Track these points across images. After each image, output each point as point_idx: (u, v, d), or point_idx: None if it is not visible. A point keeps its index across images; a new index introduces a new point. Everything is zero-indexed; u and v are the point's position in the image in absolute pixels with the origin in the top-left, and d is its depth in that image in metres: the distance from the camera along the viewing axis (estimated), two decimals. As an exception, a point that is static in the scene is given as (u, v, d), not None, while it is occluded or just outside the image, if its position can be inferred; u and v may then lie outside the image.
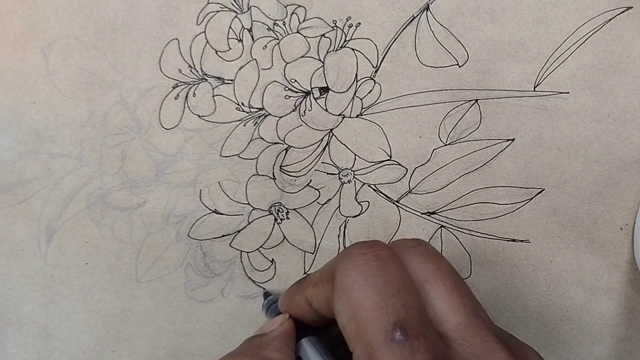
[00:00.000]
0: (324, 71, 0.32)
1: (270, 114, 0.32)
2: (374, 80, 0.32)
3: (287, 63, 0.32)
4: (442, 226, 0.32)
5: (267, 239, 0.32)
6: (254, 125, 0.32)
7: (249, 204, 0.32)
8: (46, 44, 0.31)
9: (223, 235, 0.32)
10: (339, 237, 0.32)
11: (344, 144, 0.32)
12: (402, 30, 0.31)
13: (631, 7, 0.31)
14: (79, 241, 0.32)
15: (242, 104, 0.32)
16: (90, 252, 0.32)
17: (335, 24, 0.31)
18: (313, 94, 0.32)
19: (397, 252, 0.23)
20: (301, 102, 0.32)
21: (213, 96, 0.32)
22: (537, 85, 0.32)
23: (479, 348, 0.21)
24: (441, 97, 0.32)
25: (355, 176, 0.32)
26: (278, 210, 0.32)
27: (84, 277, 0.32)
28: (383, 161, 0.32)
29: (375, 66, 0.32)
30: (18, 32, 0.31)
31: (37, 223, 0.32)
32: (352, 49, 0.32)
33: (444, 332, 0.21)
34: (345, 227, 0.32)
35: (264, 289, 0.33)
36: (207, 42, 0.31)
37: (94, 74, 0.31)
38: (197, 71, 0.32)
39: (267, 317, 0.30)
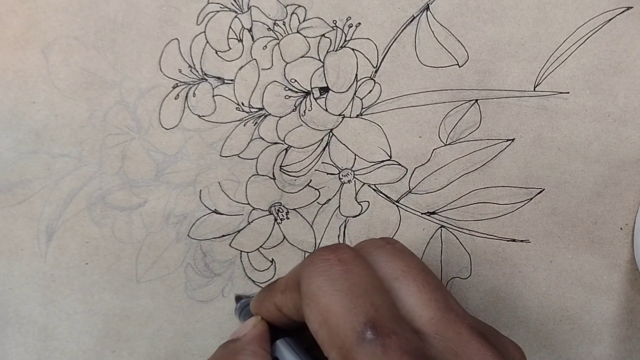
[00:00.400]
0: (324, 71, 0.32)
1: (270, 114, 0.32)
2: (374, 80, 0.32)
3: (287, 63, 0.32)
4: (442, 226, 0.32)
5: (267, 239, 0.32)
6: (254, 125, 0.32)
7: (249, 204, 0.32)
8: (46, 44, 0.31)
9: (223, 235, 0.32)
10: (339, 237, 0.32)
11: (344, 144, 0.32)
12: (402, 30, 0.31)
13: (631, 7, 0.31)
14: (79, 241, 0.32)
15: (242, 104, 0.32)
16: (90, 252, 0.32)
17: (335, 24, 0.31)
18: (313, 94, 0.32)
19: (365, 252, 0.23)
20: (301, 102, 0.32)
21: (213, 96, 0.32)
22: (537, 85, 0.32)
23: (452, 341, 0.21)
24: (441, 97, 0.32)
25: (355, 176, 0.32)
26: (278, 210, 0.32)
27: (84, 277, 0.32)
28: (383, 161, 0.32)
29: (375, 66, 0.32)
30: (18, 32, 0.31)
31: (37, 223, 0.32)
32: (352, 49, 0.32)
33: (418, 327, 0.21)
34: (345, 227, 0.32)
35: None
36: (207, 42, 0.31)
37: (94, 74, 0.31)
38: (197, 71, 0.32)
39: (240, 320, 0.30)
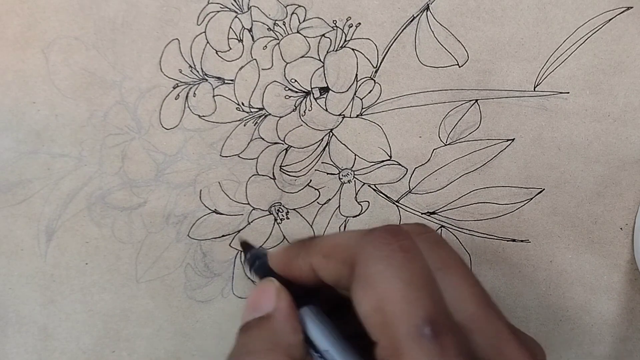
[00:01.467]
0: (324, 71, 0.32)
1: (270, 114, 0.32)
2: (374, 80, 0.32)
3: (287, 63, 0.32)
4: (442, 226, 0.32)
5: (267, 239, 0.32)
6: (254, 125, 0.32)
7: (249, 204, 0.32)
8: (46, 44, 0.31)
9: (223, 235, 0.32)
10: (339, 237, 0.32)
11: (344, 144, 0.32)
12: (402, 30, 0.31)
13: (631, 7, 0.31)
14: (79, 241, 0.32)
15: (242, 104, 0.32)
16: (90, 252, 0.32)
17: (335, 24, 0.31)
18: (313, 94, 0.32)
19: None
20: (301, 102, 0.32)
21: (213, 96, 0.32)
22: (537, 85, 0.32)
23: (495, 338, 0.21)
24: (441, 97, 0.32)
25: (355, 176, 0.32)
26: (278, 210, 0.32)
27: (84, 277, 0.32)
28: (383, 161, 0.32)
29: (375, 66, 0.32)
30: (18, 32, 0.31)
31: (37, 223, 0.32)
32: (352, 49, 0.32)
33: (460, 322, 0.21)
34: (345, 227, 0.32)
35: (242, 238, 0.31)
36: (208, 42, 0.31)
37: (94, 74, 0.31)
38: (197, 71, 0.32)
39: (250, 273, 0.28)
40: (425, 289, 0.20)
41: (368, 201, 0.32)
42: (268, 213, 0.32)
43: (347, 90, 0.32)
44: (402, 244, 0.21)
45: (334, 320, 0.24)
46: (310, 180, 0.32)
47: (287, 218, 0.32)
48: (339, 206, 0.32)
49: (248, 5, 0.31)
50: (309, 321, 0.23)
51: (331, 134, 0.32)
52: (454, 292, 0.22)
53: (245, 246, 0.30)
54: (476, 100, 0.32)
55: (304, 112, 0.32)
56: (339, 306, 0.24)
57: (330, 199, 0.32)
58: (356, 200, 0.32)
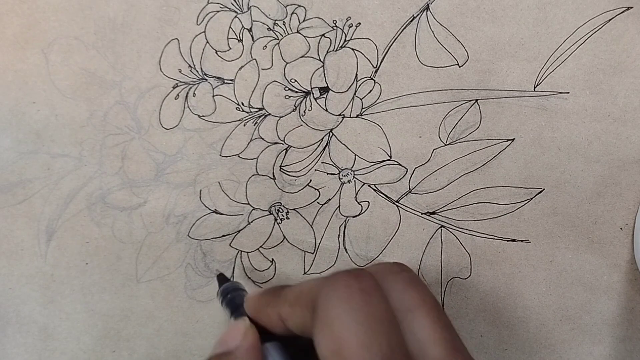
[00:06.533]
0: (324, 71, 0.32)
1: (270, 114, 0.32)
2: (374, 80, 0.32)
3: (287, 63, 0.32)
4: (442, 226, 0.32)
5: (267, 239, 0.32)
6: (254, 125, 0.32)
7: (249, 204, 0.32)
8: (46, 44, 0.31)
9: (223, 235, 0.32)
10: (338, 237, 0.32)
11: (344, 144, 0.32)
12: (402, 30, 0.31)
13: (631, 7, 0.31)
14: (79, 241, 0.32)
15: (242, 104, 0.32)
16: (90, 252, 0.32)
17: (335, 24, 0.31)
18: (313, 94, 0.32)
19: (380, 278, 0.23)
20: (301, 102, 0.32)
21: (213, 96, 0.32)
22: (537, 85, 0.32)
23: None
24: (441, 97, 0.32)
25: (355, 176, 0.32)
26: (278, 210, 0.32)
27: (84, 277, 0.32)
28: (383, 161, 0.32)
29: (375, 66, 0.32)
30: (18, 32, 0.31)
31: (37, 223, 0.32)
32: (352, 49, 0.32)
33: None
34: (345, 227, 0.32)
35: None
36: (207, 42, 0.31)
37: (94, 74, 0.31)
38: (197, 71, 0.32)
39: (222, 307, 0.29)
40: (382, 333, 0.20)
41: (368, 201, 0.32)
42: (268, 213, 0.32)
43: (347, 90, 0.32)
44: (361, 286, 0.21)
45: None
46: (310, 180, 0.32)
47: (287, 218, 0.32)
48: (339, 206, 0.32)
49: (248, 5, 0.31)
50: (274, 353, 0.24)
51: (331, 134, 0.32)
52: (421, 334, 0.22)
53: (220, 279, 0.31)
54: (476, 100, 0.32)
55: (304, 112, 0.32)
56: (306, 353, 0.24)
57: (330, 199, 0.32)
58: (356, 200, 0.32)
